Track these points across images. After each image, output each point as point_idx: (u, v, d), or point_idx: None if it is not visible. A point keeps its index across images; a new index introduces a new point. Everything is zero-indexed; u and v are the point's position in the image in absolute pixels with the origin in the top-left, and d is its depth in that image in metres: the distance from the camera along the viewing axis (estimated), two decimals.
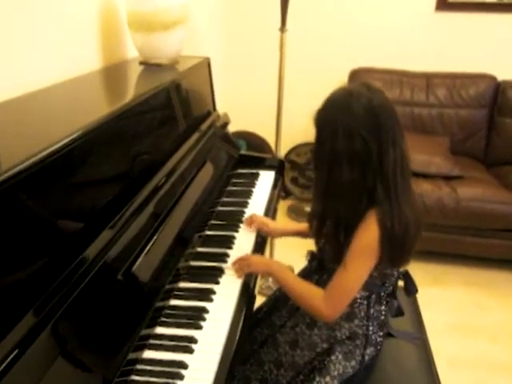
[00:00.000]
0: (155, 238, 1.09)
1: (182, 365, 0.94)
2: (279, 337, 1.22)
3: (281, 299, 1.33)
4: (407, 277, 1.23)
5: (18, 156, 0.78)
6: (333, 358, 1.15)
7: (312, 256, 1.27)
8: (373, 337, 1.18)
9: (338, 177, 1.05)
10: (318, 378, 1.13)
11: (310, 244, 1.28)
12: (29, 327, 0.72)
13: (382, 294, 1.18)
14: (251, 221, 1.45)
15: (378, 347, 1.21)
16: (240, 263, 1.24)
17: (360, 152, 1.02)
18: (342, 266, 1.07)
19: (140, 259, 1.01)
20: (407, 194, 1.06)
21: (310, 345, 1.18)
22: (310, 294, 1.12)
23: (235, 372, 1.21)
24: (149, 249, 1.05)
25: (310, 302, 1.13)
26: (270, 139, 2.85)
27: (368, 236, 1.04)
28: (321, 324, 1.19)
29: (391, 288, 1.19)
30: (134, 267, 0.98)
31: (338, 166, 1.04)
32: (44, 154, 0.81)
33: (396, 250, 1.05)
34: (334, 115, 1.06)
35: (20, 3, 1.20)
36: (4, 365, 0.66)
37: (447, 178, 2.59)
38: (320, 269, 1.22)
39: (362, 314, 1.17)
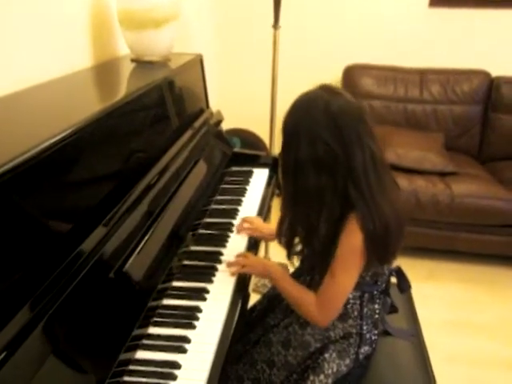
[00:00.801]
0: (148, 236, 1.08)
1: (175, 365, 0.94)
2: (272, 336, 1.22)
3: (275, 298, 1.32)
4: (399, 273, 1.22)
5: (10, 153, 0.77)
6: (326, 356, 1.15)
7: (304, 257, 1.25)
8: (367, 335, 1.18)
9: (303, 183, 1.04)
10: (311, 377, 1.12)
11: None
12: (20, 326, 0.71)
13: (375, 292, 1.17)
14: (241, 228, 1.43)
15: (373, 346, 1.20)
16: (237, 260, 1.24)
17: (324, 157, 1.00)
18: (329, 274, 1.07)
19: (133, 258, 1.00)
20: (383, 191, 1.03)
21: (302, 344, 1.18)
22: (304, 299, 1.12)
23: (228, 372, 1.20)
24: (142, 247, 1.04)
25: (304, 309, 1.13)
26: (264, 136, 2.84)
27: (352, 242, 1.02)
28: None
29: (384, 286, 1.19)
30: (127, 266, 0.97)
31: (303, 172, 1.03)
32: (36, 150, 0.81)
33: (380, 248, 1.04)
34: (296, 121, 1.05)
35: (10, 1, 1.18)
36: None
37: (442, 175, 2.58)
38: (312, 269, 1.21)
39: (356, 313, 1.16)
